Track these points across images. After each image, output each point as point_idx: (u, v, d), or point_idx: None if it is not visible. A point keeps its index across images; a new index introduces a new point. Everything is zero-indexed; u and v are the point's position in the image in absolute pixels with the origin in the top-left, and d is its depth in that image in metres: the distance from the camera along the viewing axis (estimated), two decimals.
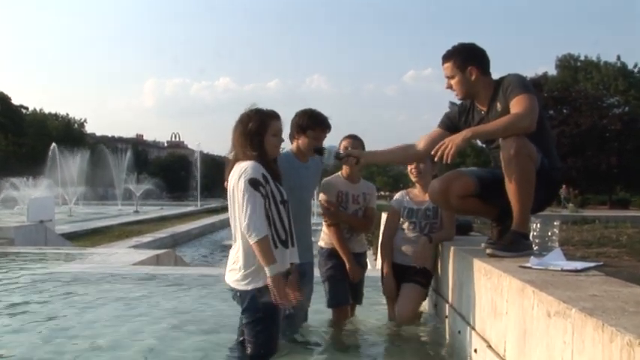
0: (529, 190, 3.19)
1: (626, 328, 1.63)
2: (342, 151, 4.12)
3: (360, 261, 4.55)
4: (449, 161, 3.17)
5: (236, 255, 3.28)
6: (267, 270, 3.12)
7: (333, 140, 4.71)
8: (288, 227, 3.32)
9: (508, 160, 3.16)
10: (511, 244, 3.22)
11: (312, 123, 4.05)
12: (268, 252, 3.13)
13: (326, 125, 4.11)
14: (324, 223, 4.51)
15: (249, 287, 3.21)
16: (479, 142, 4.26)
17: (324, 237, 4.55)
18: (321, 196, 4.44)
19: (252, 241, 3.10)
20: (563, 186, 36.36)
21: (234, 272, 3.28)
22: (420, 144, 3.80)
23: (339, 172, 4.54)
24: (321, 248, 4.56)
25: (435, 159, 3.28)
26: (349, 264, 4.37)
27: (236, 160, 3.30)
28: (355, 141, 4.35)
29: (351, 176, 4.46)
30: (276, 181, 3.31)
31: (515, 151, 3.12)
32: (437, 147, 3.25)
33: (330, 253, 4.45)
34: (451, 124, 3.72)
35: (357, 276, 4.43)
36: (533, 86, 3.57)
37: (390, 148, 4.01)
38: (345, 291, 4.43)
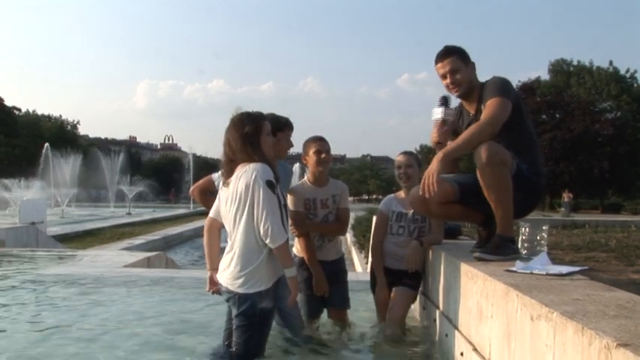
0: (506, 195, 3.22)
1: (605, 331, 1.65)
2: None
3: (337, 267, 4.51)
4: (436, 190, 3.14)
5: (234, 257, 3.27)
6: (287, 271, 3.20)
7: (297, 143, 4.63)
8: (288, 230, 3.35)
9: (482, 169, 3.19)
10: (498, 248, 3.24)
11: (280, 125, 4.00)
12: (288, 254, 3.20)
13: (290, 125, 4.10)
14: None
15: (251, 291, 3.21)
16: None
17: (296, 244, 4.47)
18: (289, 206, 4.31)
19: (274, 244, 3.12)
20: (566, 191, 36.54)
21: (232, 275, 3.26)
22: None
23: (305, 178, 4.45)
24: (295, 256, 4.44)
25: (427, 195, 3.21)
26: (316, 277, 4.31)
27: (233, 162, 3.29)
28: (324, 143, 4.32)
29: (319, 180, 4.37)
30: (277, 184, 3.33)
31: (487, 159, 3.15)
32: (421, 187, 3.23)
33: (302, 263, 4.38)
34: (454, 131, 3.76)
35: (322, 290, 4.33)
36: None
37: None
38: (315, 304, 4.41)
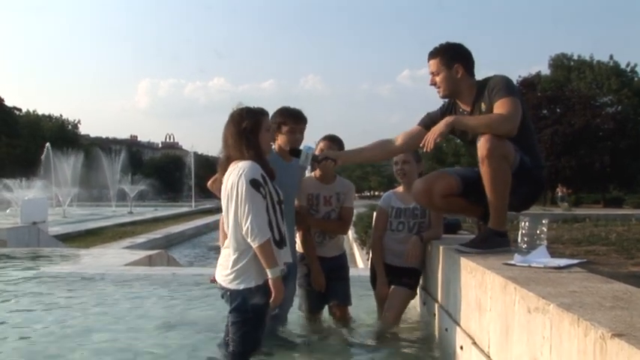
0: (503, 189, 3.23)
1: (600, 322, 1.66)
2: (318, 154, 3.99)
3: (338, 264, 4.50)
4: (431, 147, 3.24)
5: (228, 254, 3.28)
6: (269, 272, 3.14)
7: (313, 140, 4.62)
8: (282, 228, 3.33)
9: (482, 160, 3.21)
10: (484, 241, 3.28)
11: (284, 118, 4.01)
12: (271, 255, 3.14)
13: (299, 117, 4.06)
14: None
15: (241, 287, 3.21)
16: None
17: (297, 240, 4.45)
18: None
19: (255, 244, 3.11)
20: (560, 186, 36.50)
21: (225, 271, 3.27)
22: (399, 140, 3.79)
23: (312, 173, 4.43)
24: (296, 251, 4.46)
25: (425, 149, 3.33)
26: (313, 272, 4.32)
27: (229, 159, 3.30)
28: (332, 143, 4.27)
29: (325, 176, 4.34)
30: (272, 181, 3.32)
31: (488, 151, 3.16)
32: (424, 138, 3.31)
33: (302, 258, 4.39)
34: (432, 123, 3.72)
35: (319, 285, 4.33)
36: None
37: (367, 146, 3.91)
38: (315, 299, 4.42)
